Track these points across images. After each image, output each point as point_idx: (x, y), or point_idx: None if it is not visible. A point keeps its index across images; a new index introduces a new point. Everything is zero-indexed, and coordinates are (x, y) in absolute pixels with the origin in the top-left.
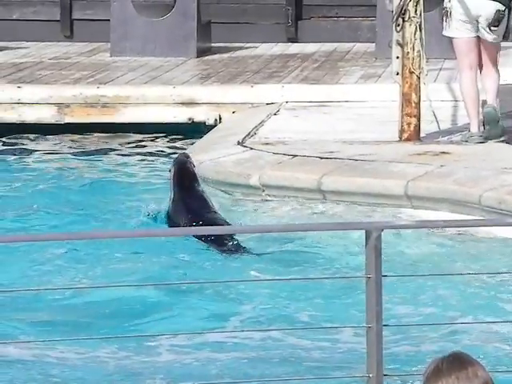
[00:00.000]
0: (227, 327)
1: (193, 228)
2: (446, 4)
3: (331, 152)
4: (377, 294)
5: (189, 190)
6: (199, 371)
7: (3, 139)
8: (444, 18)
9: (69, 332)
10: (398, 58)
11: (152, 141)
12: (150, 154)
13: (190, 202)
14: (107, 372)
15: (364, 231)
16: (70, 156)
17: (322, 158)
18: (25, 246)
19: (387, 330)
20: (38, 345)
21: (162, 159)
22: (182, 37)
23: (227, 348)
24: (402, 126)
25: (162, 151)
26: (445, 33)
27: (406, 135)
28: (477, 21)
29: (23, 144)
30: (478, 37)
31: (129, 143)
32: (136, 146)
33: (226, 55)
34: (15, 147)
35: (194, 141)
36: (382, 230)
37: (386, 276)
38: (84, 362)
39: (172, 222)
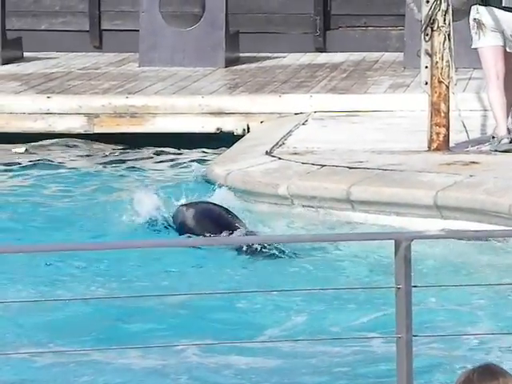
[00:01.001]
0: (257, 337)
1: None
2: (475, 15)
3: (360, 162)
4: (407, 304)
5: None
6: (230, 381)
7: (34, 149)
8: (473, 29)
9: (99, 340)
10: (426, 67)
11: (180, 151)
12: (178, 164)
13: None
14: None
15: (393, 241)
16: (98, 166)
17: (350, 168)
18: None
19: (417, 341)
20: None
21: (190, 169)
22: (211, 47)
23: (256, 357)
24: (431, 135)
25: (190, 161)
26: (474, 44)
27: (435, 145)
28: (503, 32)
29: (53, 154)
30: (504, 47)
31: (157, 153)
32: (164, 156)
33: (254, 65)
34: (45, 157)
35: (222, 151)
36: (412, 240)
37: (415, 286)
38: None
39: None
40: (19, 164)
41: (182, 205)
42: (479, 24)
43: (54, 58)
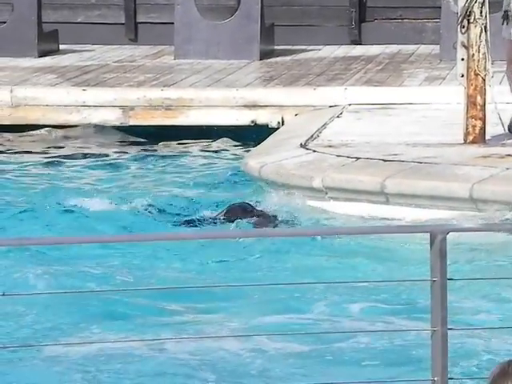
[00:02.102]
0: (293, 327)
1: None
2: (506, 7)
3: (395, 154)
4: (442, 298)
5: None
6: (254, 373)
7: (70, 141)
8: (504, 21)
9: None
10: (462, 59)
11: (214, 143)
12: (212, 156)
13: None
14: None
15: (429, 234)
16: (133, 158)
17: (385, 161)
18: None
19: (452, 334)
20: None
21: (225, 161)
22: (246, 39)
23: (289, 344)
24: (466, 128)
25: (224, 154)
26: (504, 34)
27: (470, 138)
28: None
29: (88, 146)
30: None
31: (191, 145)
32: (198, 149)
33: (288, 58)
34: (80, 149)
35: (256, 143)
36: (448, 233)
37: (451, 279)
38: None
39: None
40: (56, 153)
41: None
42: (507, 15)
43: (90, 50)
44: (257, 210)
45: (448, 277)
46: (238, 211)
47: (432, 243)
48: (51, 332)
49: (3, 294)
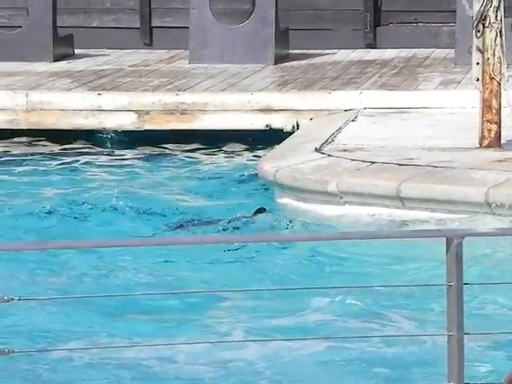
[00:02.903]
0: (306, 332)
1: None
2: None
3: (410, 159)
4: (458, 302)
5: None
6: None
7: (85, 145)
8: None
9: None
10: (478, 63)
11: (229, 147)
12: (227, 160)
13: None
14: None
15: (445, 239)
16: (147, 162)
17: (400, 165)
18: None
19: (468, 338)
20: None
21: (240, 166)
22: (260, 43)
23: (303, 352)
24: (482, 132)
25: (239, 158)
26: None
27: (486, 142)
28: None
29: (103, 150)
30: None
31: (206, 149)
32: (213, 153)
33: (303, 62)
34: (96, 153)
35: (271, 147)
36: (463, 238)
37: (467, 284)
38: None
39: None
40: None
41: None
42: None
43: (105, 55)
44: None
45: (464, 281)
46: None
47: (448, 248)
48: (70, 336)
49: (19, 299)
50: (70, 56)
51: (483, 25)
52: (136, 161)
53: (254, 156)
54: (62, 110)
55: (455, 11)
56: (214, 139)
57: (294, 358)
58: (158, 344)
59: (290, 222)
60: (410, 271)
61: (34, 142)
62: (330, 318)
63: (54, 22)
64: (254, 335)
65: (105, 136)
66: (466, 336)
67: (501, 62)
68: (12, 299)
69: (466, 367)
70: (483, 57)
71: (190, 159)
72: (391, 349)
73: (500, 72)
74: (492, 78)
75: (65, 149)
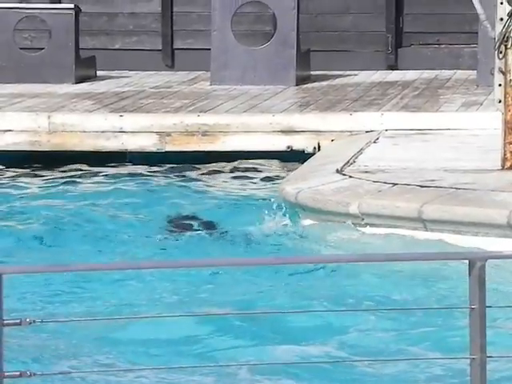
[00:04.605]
0: (324, 354)
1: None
2: None
3: (432, 180)
4: (481, 325)
5: None
6: None
7: (106, 167)
8: None
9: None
10: (500, 85)
11: (251, 168)
12: (249, 182)
13: None
14: None
15: (467, 261)
16: (169, 182)
17: (422, 187)
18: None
19: (491, 362)
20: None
21: (261, 187)
22: (282, 65)
23: (320, 373)
24: (504, 154)
25: (260, 179)
26: None
27: (508, 163)
28: None
29: (123, 172)
30: None
31: (228, 171)
32: (235, 174)
33: (325, 83)
34: (116, 175)
35: (292, 169)
36: (486, 260)
37: (489, 307)
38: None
39: None
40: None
41: None
42: None
43: (127, 76)
44: None
45: (487, 304)
46: None
47: (471, 270)
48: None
49: (41, 321)
50: (92, 78)
51: (505, 46)
52: (158, 182)
53: (276, 177)
54: (84, 131)
55: (477, 33)
56: (235, 160)
57: (307, 379)
58: (183, 366)
59: (312, 242)
60: (434, 293)
61: (55, 164)
62: (351, 339)
63: (77, 43)
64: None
65: (127, 157)
66: (488, 359)
67: None
68: (34, 321)
69: None
70: (505, 78)
71: (211, 180)
72: (413, 372)
73: None
74: None
75: (86, 170)
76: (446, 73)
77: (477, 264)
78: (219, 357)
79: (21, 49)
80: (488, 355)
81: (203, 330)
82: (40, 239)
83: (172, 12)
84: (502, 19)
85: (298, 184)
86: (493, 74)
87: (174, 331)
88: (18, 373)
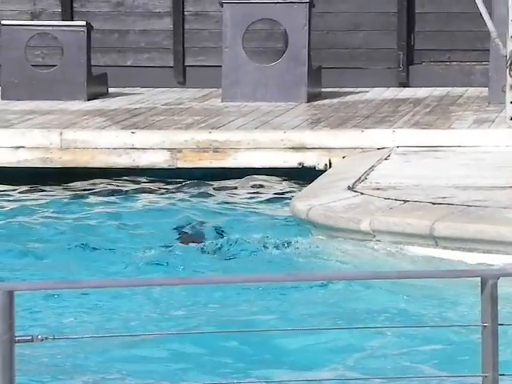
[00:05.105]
0: (334, 372)
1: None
2: None
3: (444, 197)
4: (493, 343)
5: None
6: None
7: (118, 184)
8: None
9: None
10: (511, 102)
11: (262, 185)
12: (260, 198)
13: None
14: None
15: (480, 279)
16: (180, 200)
17: (434, 204)
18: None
19: (503, 380)
20: None
21: (272, 204)
22: (293, 82)
23: None
24: None
25: (271, 196)
26: None
27: None
28: None
29: (136, 189)
30: None
31: (238, 187)
32: (245, 191)
33: (336, 100)
34: (128, 191)
35: (304, 185)
36: (499, 278)
37: (502, 325)
38: None
39: None
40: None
41: None
42: None
43: (139, 93)
44: None
45: (499, 322)
46: None
47: (483, 288)
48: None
49: (54, 338)
50: (103, 95)
51: None
52: (169, 198)
53: (287, 194)
54: (96, 148)
55: (489, 50)
56: (246, 177)
57: None
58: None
59: (323, 259)
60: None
61: (67, 180)
62: (360, 357)
63: (89, 60)
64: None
65: (138, 174)
66: (500, 377)
67: None
68: (46, 338)
69: None
70: None
71: (222, 197)
72: None
73: None
74: None
75: (98, 187)
76: (457, 90)
77: (489, 282)
78: (225, 375)
79: (33, 66)
80: (500, 373)
81: (219, 347)
82: (51, 256)
83: (183, 29)
84: None
85: (310, 201)
86: (504, 92)
87: (186, 348)
88: None
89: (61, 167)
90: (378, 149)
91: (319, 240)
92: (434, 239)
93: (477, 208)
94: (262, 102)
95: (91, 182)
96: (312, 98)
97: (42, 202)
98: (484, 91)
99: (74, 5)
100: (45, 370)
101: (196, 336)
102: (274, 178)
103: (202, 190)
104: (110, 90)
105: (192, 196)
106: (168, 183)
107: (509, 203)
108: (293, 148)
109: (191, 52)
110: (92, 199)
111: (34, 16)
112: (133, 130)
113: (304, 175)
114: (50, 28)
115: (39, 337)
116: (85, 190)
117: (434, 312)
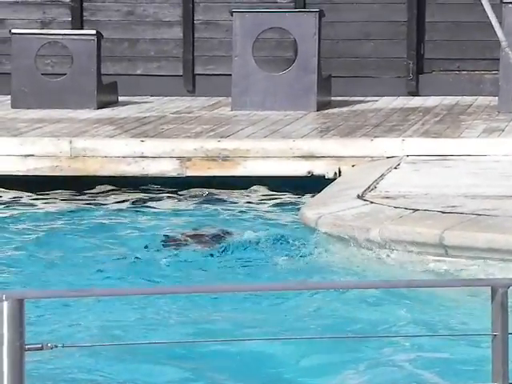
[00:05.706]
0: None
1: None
2: None
3: (453, 206)
4: (503, 353)
5: None
6: None
7: (127, 192)
8: None
9: None
10: None
11: (271, 194)
12: (269, 207)
13: None
14: None
15: (490, 288)
16: (189, 208)
17: (443, 213)
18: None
19: None
20: None
21: (281, 212)
22: (303, 91)
23: None
24: None
25: (281, 204)
26: None
27: None
28: None
29: (146, 197)
30: None
31: (247, 196)
32: (255, 200)
33: (345, 109)
34: (137, 200)
35: (313, 194)
36: (509, 287)
37: None
38: None
39: None
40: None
41: None
42: None
43: (148, 102)
44: None
45: (510, 331)
46: None
47: (493, 297)
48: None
49: (63, 346)
50: (113, 103)
51: None
52: (178, 207)
53: (296, 202)
54: (105, 156)
55: (498, 59)
56: (255, 185)
57: None
58: None
59: (332, 268)
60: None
61: (76, 189)
62: (368, 366)
63: (98, 69)
64: None
65: (147, 182)
66: None
67: None
68: (56, 346)
69: None
70: None
71: (231, 205)
72: None
73: None
74: None
75: (107, 195)
76: (467, 99)
77: (499, 291)
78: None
79: (43, 74)
80: (510, 382)
81: (229, 355)
82: (60, 263)
83: (193, 38)
84: None
85: (319, 209)
86: None
87: (198, 357)
88: None
89: (70, 175)
90: (388, 158)
91: (328, 249)
92: (444, 248)
93: (486, 217)
94: (271, 111)
95: (101, 190)
96: (321, 106)
97: (51, 210)
98: (494, 100)
99: (84, 14)
100: (54, 377)
101: (209, 344)
102: (283, 187)
103: (210, 198)
104: (120, 98)
105: (201, 204)
106: (177, 192)
107: None
108: (302, 157)
109: (201, 61)
110: (101, 207)
111: (44, 25)
112: (142, 139)
113: (313, 184)
114: (60, 37)
115: (49, 345)
116: (94, 198)
117: (445, 321)
